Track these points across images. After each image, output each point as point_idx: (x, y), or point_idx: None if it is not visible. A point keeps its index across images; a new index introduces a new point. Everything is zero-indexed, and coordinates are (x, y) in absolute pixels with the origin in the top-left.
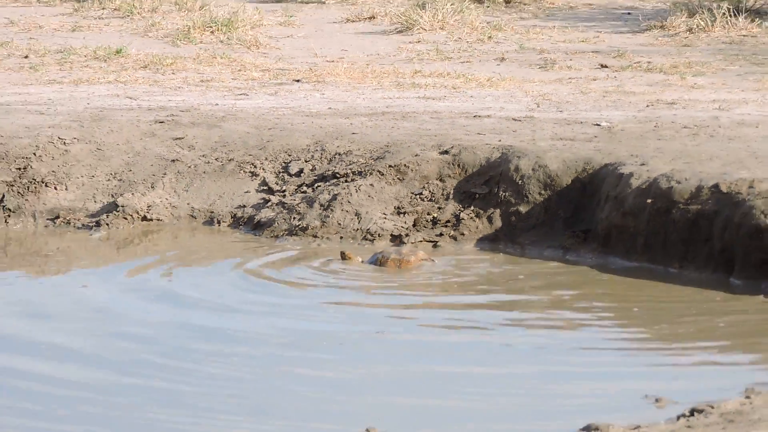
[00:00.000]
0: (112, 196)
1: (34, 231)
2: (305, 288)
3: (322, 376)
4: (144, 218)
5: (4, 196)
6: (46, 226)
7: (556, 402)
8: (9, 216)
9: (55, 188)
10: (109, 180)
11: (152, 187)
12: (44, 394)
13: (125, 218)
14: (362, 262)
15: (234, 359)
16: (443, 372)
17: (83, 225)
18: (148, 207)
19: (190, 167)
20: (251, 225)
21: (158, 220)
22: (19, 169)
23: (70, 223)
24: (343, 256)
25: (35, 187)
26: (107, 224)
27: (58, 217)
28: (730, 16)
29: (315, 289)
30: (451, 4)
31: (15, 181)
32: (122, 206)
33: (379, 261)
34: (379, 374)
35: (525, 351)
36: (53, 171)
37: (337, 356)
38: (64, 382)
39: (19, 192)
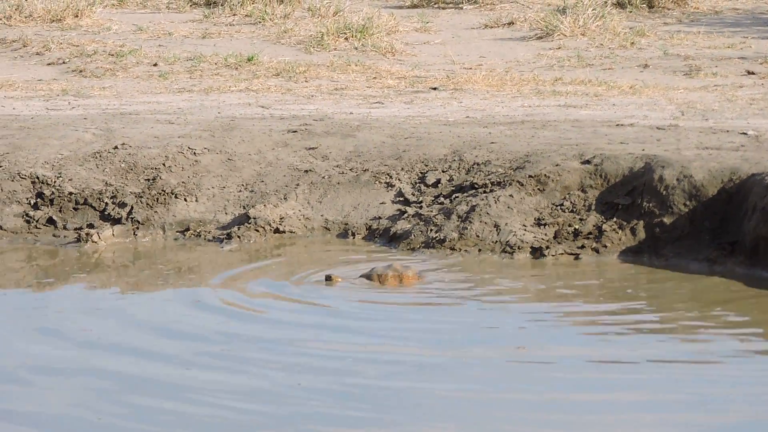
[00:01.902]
0: (244, 207)
1: (163, 244)
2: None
3: None
4: (276, 230)
5: (132, 207)
6: (175, 239)
7: (705, 424)
8: (138, 228)
9: (185, 200)
10: (240, 191)
11: (285, 199)
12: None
13: (257, 230)
14: (355, 280)
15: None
16: (585, 399)
17: (214, 237)
18: (281, 219)
19: (323, 178)
20: (387, 237)
21: (291, 232)
22: (148, 180)
23: (200, 236)
24: (328, 279)
25: (165, 199)
26: (239, 237)
27: (188, 229)
28: None
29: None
30: (593, 10)
31: (144, 192)
32: (254, 218)
33: (379, 277)
34: None
35: (672, 372)
36: (183, 182)
37: None
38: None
39: (148, 203)
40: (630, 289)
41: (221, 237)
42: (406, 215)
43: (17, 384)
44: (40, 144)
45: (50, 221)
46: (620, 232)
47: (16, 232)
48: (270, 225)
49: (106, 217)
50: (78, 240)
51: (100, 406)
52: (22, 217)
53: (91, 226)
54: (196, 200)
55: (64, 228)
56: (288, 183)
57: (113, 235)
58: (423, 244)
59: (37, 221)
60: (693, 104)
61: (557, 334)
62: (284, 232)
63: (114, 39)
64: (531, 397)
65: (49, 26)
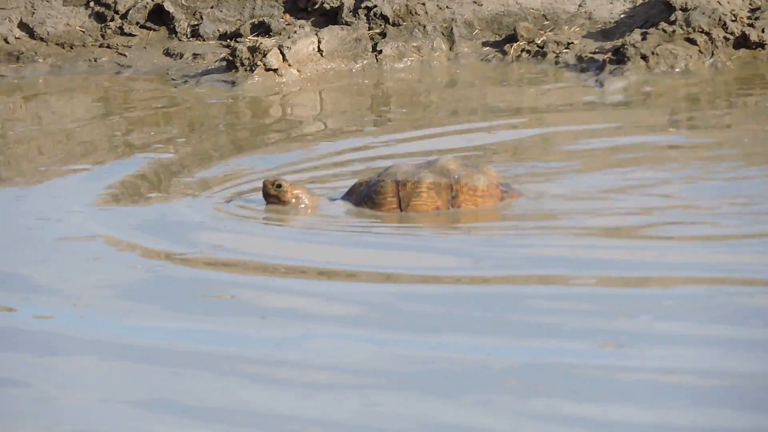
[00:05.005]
0: None
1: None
2: None
3: None
4: None
5: None
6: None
7: None
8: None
9: None
10: None
11: None
12: None
13: None
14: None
15: None
16: None
17: None
18: None
19: None
20: None
21: None
22: None
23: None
24: (278, 187)
25: None
26: None
27: None
28: None
29: None
30: None
31: None
32: None
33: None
34: None
35: None
36: None
37: None
38: None
39: None
40: None
41: None
42: None
43: None
44: None
45: (154, 16)
46: None
47: (73, 45)
48: None
49: (296, 6)
50: (229, 66)
51: None
52: (86, 5)
53: (260, 27)
54: None
55: (193, 35)
56: None
57: (319, 50)
58: None
59: (123, 17)
60: None
61: None
62: None
63: None
64: None
65: None
